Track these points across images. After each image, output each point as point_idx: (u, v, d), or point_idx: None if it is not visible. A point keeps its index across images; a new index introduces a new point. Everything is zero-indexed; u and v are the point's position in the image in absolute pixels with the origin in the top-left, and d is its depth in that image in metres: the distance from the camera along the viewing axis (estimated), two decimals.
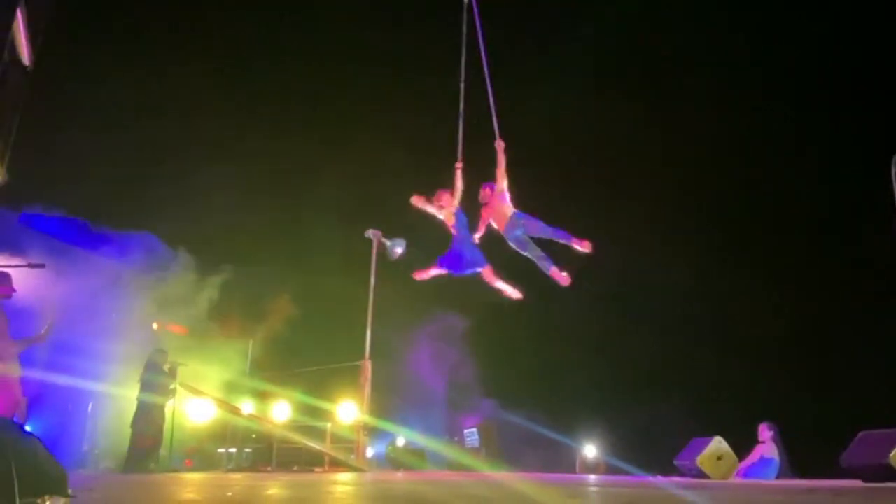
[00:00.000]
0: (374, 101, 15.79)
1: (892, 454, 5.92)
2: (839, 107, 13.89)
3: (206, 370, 11.57)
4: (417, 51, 14.55)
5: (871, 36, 13.31)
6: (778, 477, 8.45)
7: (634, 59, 15.54)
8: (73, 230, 11.50)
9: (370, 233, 10.38)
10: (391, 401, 12.54)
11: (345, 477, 7.70)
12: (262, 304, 13.35)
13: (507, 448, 13.96)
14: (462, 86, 6.71)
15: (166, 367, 9.56)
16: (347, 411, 10.38)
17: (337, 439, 10.58)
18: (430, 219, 6.78)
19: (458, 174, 6.70)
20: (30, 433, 3.45)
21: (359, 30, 15.51)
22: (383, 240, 10.32)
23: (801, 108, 14.28)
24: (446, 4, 7.20)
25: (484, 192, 6.63)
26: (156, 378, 9.21)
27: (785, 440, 8.75)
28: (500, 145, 6.48)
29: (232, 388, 12.01)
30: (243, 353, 12.95)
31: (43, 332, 6.69)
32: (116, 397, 9.94)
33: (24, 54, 4.33)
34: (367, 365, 9.89)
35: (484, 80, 6.64)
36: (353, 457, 9.98)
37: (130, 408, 9.12)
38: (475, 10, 6.74)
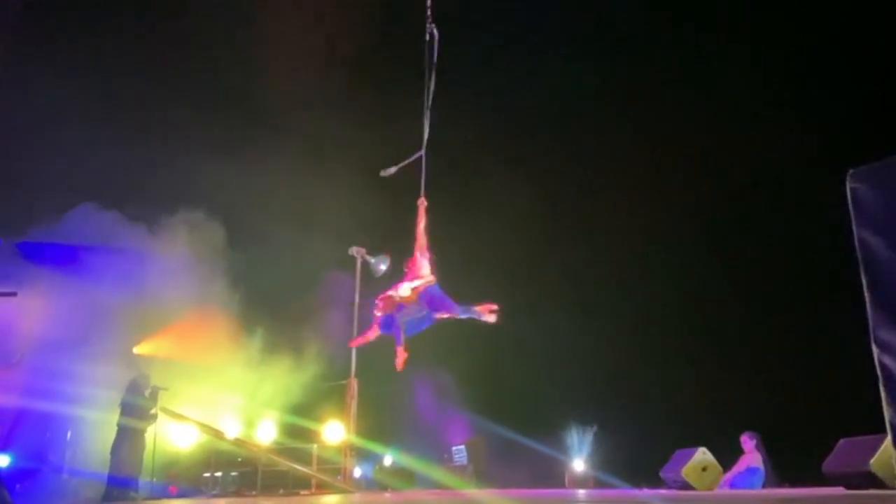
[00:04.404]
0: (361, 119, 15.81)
1: (872, 461, 5.98)
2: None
3: (191, 392, 11.38)
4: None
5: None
6: (763, 486, 8.49)
7: None
8: (60, 255, 11.34)
9: (354, 250, 10.36)
10: (378, 420, 12.43)
11: (331, 499, 7.61)
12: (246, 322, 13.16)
13: (495, 464, 13.89)
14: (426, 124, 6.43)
15: (147, 392, 9.41)
16: (334, 432, 10.27)
17: (323, 461, 10.46)
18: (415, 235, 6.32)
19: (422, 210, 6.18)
20: None
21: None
22: (367, 257, 10.29)
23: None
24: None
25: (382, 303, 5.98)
26: (137, 401, 9.04)
27: (768, 449, 8.81)
28: (422, 203, 6.20)
29: (217, 409, 11.83)
30: (228, 374, 12.76)
31: (15, 360, 6.58)
32: (96, 423, 9.74)
33: None
34: (354, 383, 9.81)
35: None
36: (339, 478, 9.87)
37: (111, 434, 8.94)
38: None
